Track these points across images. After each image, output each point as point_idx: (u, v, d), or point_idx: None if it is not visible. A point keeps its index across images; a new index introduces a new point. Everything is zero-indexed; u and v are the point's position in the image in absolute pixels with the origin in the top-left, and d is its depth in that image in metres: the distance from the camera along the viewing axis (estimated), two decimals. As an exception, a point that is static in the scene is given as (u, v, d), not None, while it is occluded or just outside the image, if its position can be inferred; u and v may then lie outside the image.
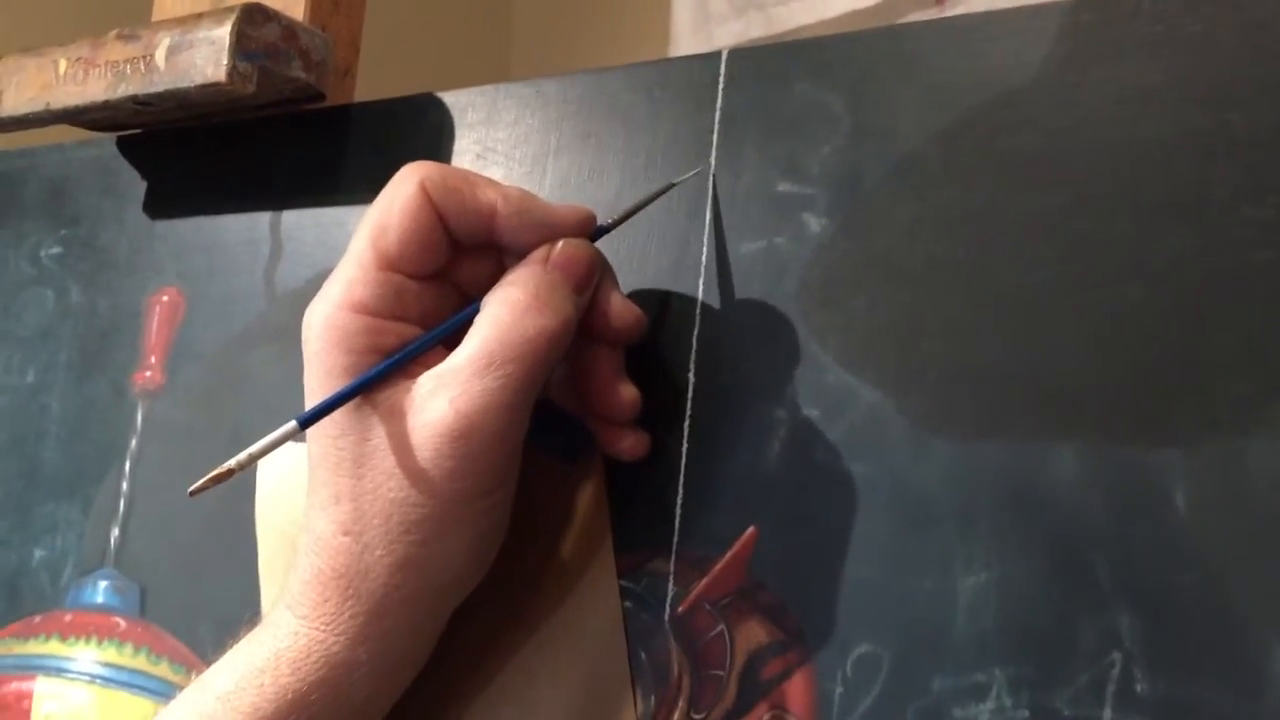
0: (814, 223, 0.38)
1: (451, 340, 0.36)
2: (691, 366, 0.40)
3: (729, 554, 0.37)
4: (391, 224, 0.36)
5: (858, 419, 0.36)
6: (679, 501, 0.39)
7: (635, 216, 0.40)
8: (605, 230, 0.39)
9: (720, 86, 0.41)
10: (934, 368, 0.36)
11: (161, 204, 0.56)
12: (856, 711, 0.34)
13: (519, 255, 0.37)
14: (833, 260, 0.38)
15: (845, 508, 0.36)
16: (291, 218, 0.51)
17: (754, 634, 0.36)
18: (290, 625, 0.36)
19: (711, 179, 0.40)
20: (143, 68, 0.48)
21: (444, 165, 0.37)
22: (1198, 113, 0.33)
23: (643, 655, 0.38)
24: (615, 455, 0.39)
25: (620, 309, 0.38)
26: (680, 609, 0.38)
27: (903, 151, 0.37)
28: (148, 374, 0.53)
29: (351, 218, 0.49)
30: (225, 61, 0.45)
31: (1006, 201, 0.35)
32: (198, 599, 0.49)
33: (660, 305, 0.41)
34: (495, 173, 0.46)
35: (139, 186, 0.56)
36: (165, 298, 0.54)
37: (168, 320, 0.54)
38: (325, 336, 0.36)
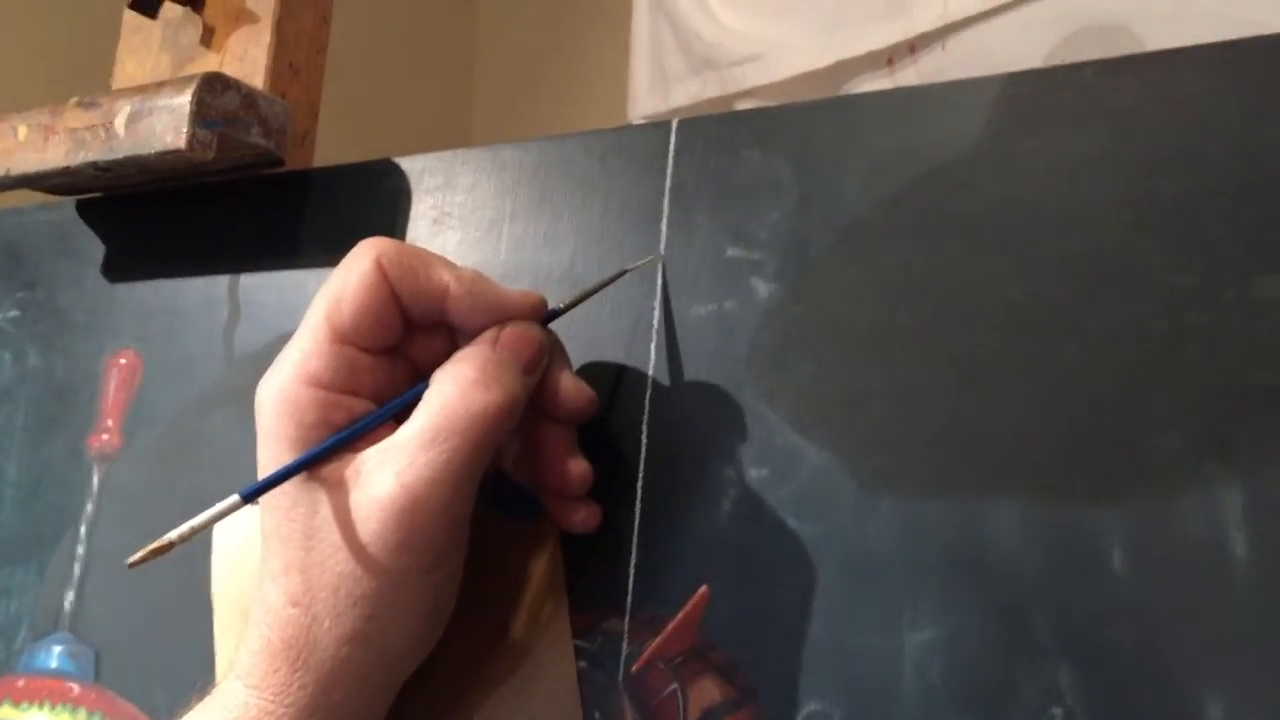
0: (762, 287, 0.39)
1: (403, 417, 0.36)
2: (644, 428, 0.40)
3: (681, 613, 0.38)
4: (346, 298, 0.37)
5: (806, 479, 0.37)
6: (632, 562, 0.39)
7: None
8: (557, 314, 0.40)
9: (671, 154, 0.42)
10: (880, 429, 0.36)
11: (120, 267, 0.56)
12: (807, 769, 0.35)
13: (470, 336, 0.38)
14: (781, 324, 0.39)
15: (795, 567, 0.37)
16: (250, 281, 0.51)
17: (707, 692, 0.37)
18: (240, 696, 0.36)
19: (661, 266, 0.41)
20: (103, 134, 0.48)
21: (401, 243, 0.38)
22: (1126, 182, 0.34)
23: (597, 715, 0.38)
24: (567, 529, 0.40)
25: (571, 389, 0.39)
26: (634, 668, 0.38)
27: (848, 218, 0.38)
28: (104, 437, 0.53)
29: (310, 280, 0.50)
30: (185, 129, 0.46)
31: (947, 266, 0.36)
32: (154, 665, 0.49)
33: (613, 368, 0.41)
34: (451, 237, 0.47)
35: (97, 249, 0.57)
36: (123, 360, 0.54)
37: (125, 383, 0.54)
38: (278, 409, 0.36)
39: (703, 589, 0.38)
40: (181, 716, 0.38)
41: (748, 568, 0.37)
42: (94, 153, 0.48)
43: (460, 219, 0.47)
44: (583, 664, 0.39)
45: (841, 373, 0.37)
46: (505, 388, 0.36)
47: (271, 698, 0.35)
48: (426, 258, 0.38)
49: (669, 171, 0.42)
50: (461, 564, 0.38)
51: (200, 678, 0.46)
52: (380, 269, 0.37)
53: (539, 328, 0.38)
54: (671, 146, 0.42)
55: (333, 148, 0.55)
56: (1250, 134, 0.33)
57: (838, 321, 0.38)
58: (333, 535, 0.35)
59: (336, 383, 0.37)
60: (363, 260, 0.37)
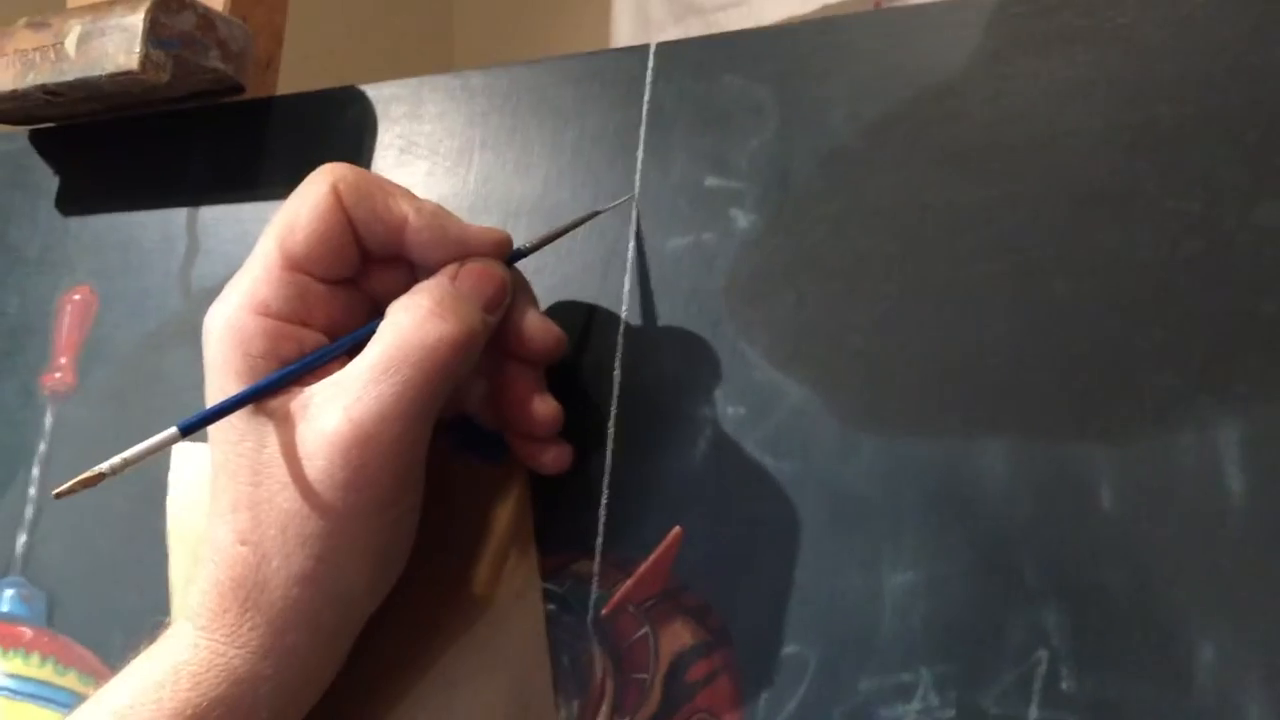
0: (742, 218, 0.38)
1: (356, 353, 0.35)
2: (617, 365, 0.39)
3: (653, 555, 0.37)
4: (300, 224, 0.35)
5: (785, 417, 0.36)
6: (603, 503, 0.38)
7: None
8: (522, 254, 0.38)
9: (648, 80, 0.40)
10: (863, 364, 0.35)
11: (75, 200, 0.54)
12: (782, 713, 0.34)
13: (430, 272, 0.36)
14: (761, 256, 0.37)
15: (772, 507, 0.35)
16: (209, 214, 0.49)
17: (679, 636, 0.35)
18: (190, 637, 0.34)
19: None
20: (52, 56, 0.46)
21: (360, 170, 0.36)
22: (1124, 106, 0.33)
23: (565, 660, 0.37)
24: (536, 470, 0.38)
25: (537, 328, 0.37)
26: (604, 612, 0.37)
27: (832, 145, 0.37)
28: (58, 375, 0.51)
29: (271, 214, 0.47)
30: (138, 49, 0.44)
31: (936, 195, 0.35)
32: (108, 607, 0.47)
33: (584, 305, 0.40)
34: (419, 167, 0.45)
35: (51, 182, 0.54)
36: (77, 296, 0.52)
37: (79, 320, 0.52)
38: (224, 338, 0.35)
39: (675, 530, 0.36)
40: (132, 659, 0.36)
41: (723, 509, 0.36)
42: (43, 75, 0.46)
43: (428, 148, 0.45)
44: (551, 607, 0.38)
45: (823, 306, 0.36)
46: (463, 320, 0.34)
47: (222, 639, 0.34)
48: (386, 186, 0.36)
49: (646, 98, 0.40)
50: (418, 503, 0.36)
51: (155, 620, 0.44)
52: (336, 195, 0.35)
53: (502, 265, 0.36)
54: (649, 72, 0.40)
55: (303, 78, 0.52)
56: (1255, 54, 0.31)
57: (820, 253, 0.36)
58: (280, 472, 0.33)
59: (287, 312, 0.35)
60: (318, 185, 0.35)
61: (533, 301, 0.38)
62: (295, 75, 0.53)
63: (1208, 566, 0.30)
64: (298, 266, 0.35)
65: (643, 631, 0.36)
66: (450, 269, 0.36)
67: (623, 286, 0.39)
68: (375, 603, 0.36)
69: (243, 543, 0.34)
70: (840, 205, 0.36)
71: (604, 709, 0.36)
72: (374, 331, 0.34)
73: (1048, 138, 0.34)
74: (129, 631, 0.46)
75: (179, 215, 0.50)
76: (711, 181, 0.38)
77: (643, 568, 0.37)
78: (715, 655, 0.35)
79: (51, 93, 0.47)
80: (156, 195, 0.51)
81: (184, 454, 0.47)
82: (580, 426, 0.39)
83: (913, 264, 0.35)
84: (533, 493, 0.39)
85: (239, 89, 0.48)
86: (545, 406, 0.37)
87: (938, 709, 0.32)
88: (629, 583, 0.37)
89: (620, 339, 0.39)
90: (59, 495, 0.31)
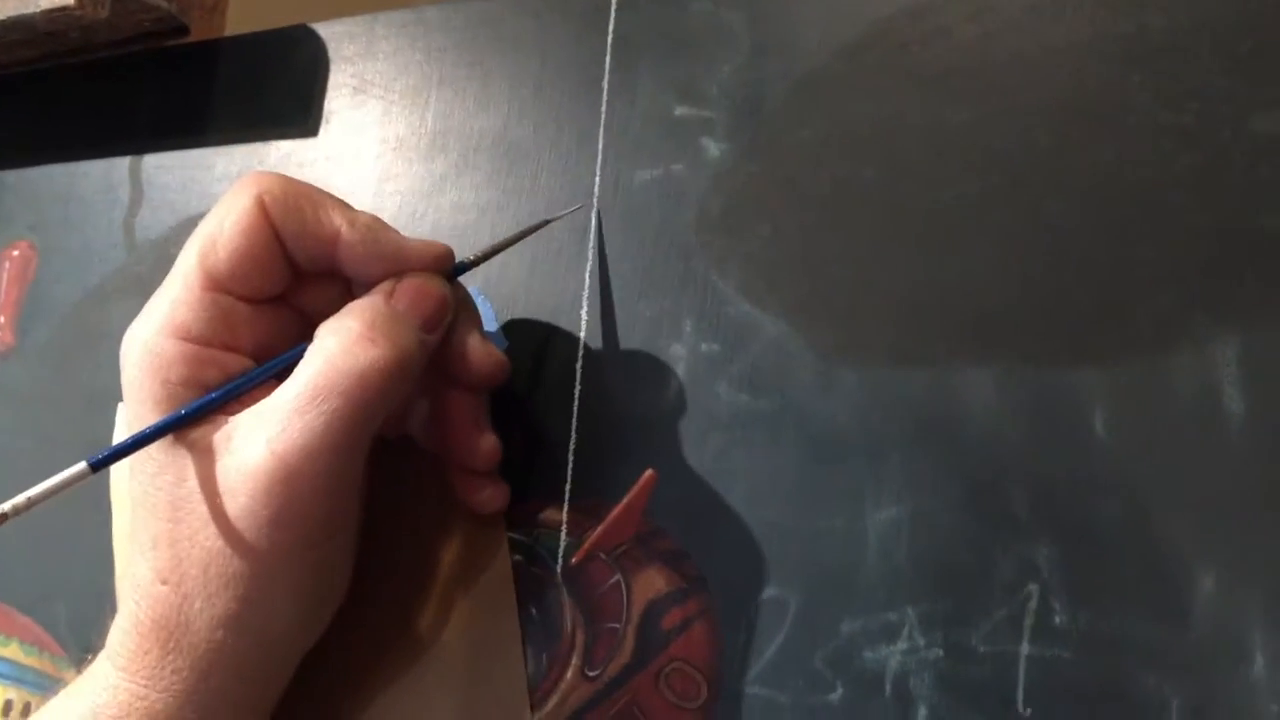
0: (713, 147, 0.36)
1: (285, 377, 0.32)
2: (584, 303, 0.37)
3: (625, 500, 0.35)
4: (222, 240, 0.32)
5: (761, 352, 0.34)
6: (571, 447, 0.36)
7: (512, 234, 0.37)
8: (465, 267, 0.35)
9: (613, 8, 0.39)
10: (842, 295, 0.33)
11: (12, 151, 0.51)
12: (762, 659, 0.32)
13: (366, 288, 0.33)
14: (734, 186, 0.36)
15: (749, 446, 0.34)
16: (153, 162, 0.47)
17: (652, 583, 0.34)
18: (109, 678, 0.32)
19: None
20: (-17, -7, 0.44)
21: (288, 179, 0.33)
22: (1114, 17, 0.31)
23: (534, 611, 0.35)
24: (471, 508, 0.36)
25: (479, 353, 0.34)
26: (573, 560, 0.35)
27: (806, 69, 0.35)
28: (-4, 334, 0.49)
29: (218, 160, 0.46)
30: (74, -18, 0.41)
31: (917, 117, 0.33)
32: (51, 575, 0.45)
33: (551, 239, 0.38)
34: (374, 107, 0.43)
35: (-14, 133, 0.52)
36: (16, 252, 0.50)
37: (18, 276, 0.49)
38: (141, 364, 0.32)
39: (648, 473, 0.35)
40: (55, 694, 0.34)
41: (697, 449, 0.34)
42: (-27, 13, 0.44)
43: (383, 87, 0.43)
44: (517, 558, 0.36)
45: (800, 236, 0.34)
46: (396, 343, 0.31)
47: (144, 681, 0.32)
48: (317, 197, 0.33)
49: (610, 27, 0.39)
50: (352, 536, 0.34)
51: (102, 584, 0.42)
52: (262, 208, 0.32)
53: (442, 281, 0.33)
54: (613, 0, 0.39)
55: (246, 21, 0.50)
56: (1249, -40, 0.30)
57: (796, 181, 0.35)
58: (201, 508, 0.31)
59: (209, 336, 0.32)
60: (242, 197, 0.32)
61: (476, 322, 0.35)
62: (239, 20, 0.51)
63: (1206, 492, 0.28)
64: (220, 286, 0.33)
65: (614, 579, 0.34)
66: (385, 286, 0.33)
67: (589, 224, 0.37)
68: (309, 642, 0.34)
69: (163, 582, 0.31)
70: (816, 131, 0.35)
71: (574, 660, 0.34)
72: (302, 354, 0.32)
73: (1034, 54, 0.32)
74: (73, 599, 0.44)
75: (121, 164, 0.48)
76: (681, 110, 0.37)
77: (614, 513, 0.35)
78: (691, 601, 0.33)
79: (-17, 33, 0.44)
80: (97, 144, 0.48)
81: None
82: (544, 367, 0.37)
83: (893, 189, 0.33)
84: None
85: (183, 30, 0.46)
86: (485, 441, 0.35)
87: (924, 649, 0.30)
88: (599, 529, 0.35)
89: (587, 276, 0.37)
90: None
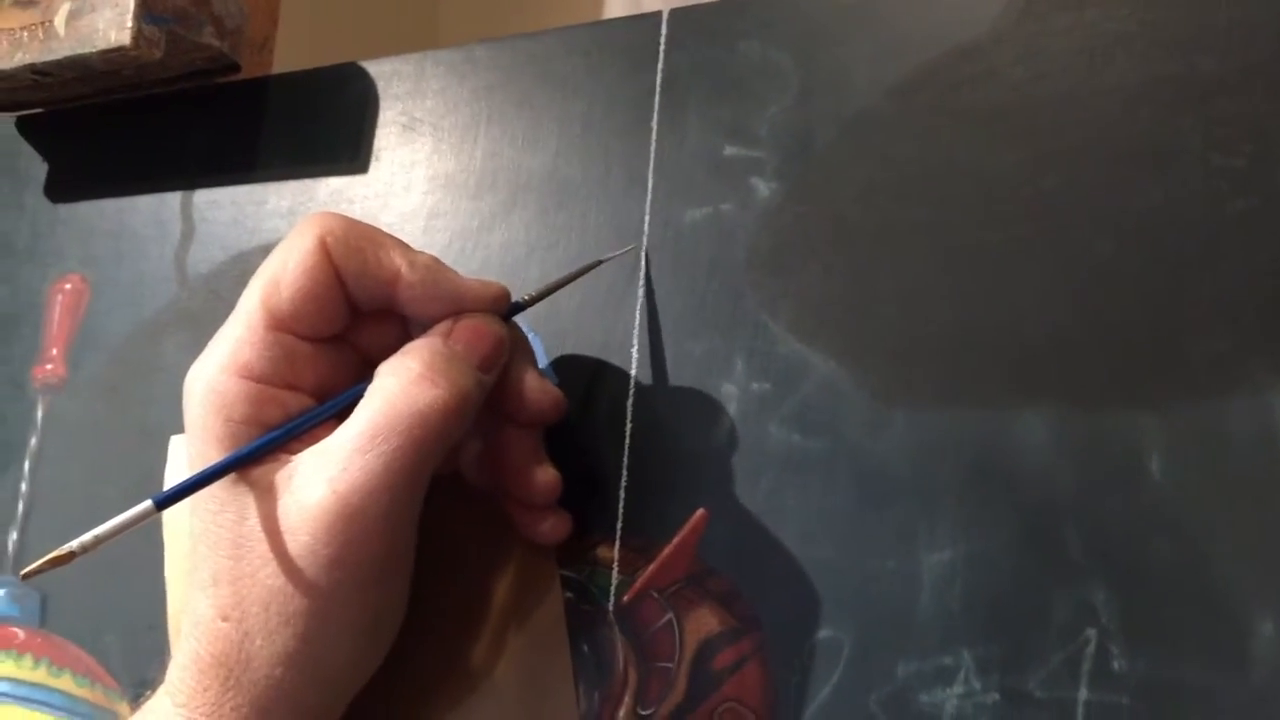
0: (763, 187, 0.36)
1: (346, 416, 0.32)
2: (634, 341, 0.37)
3: (677, 538, 0.35)
4: (286, 281, 0.33)
5: (812, 392, 0.34)
6: (623, 484, 0.36)
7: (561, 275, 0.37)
8: (521, 307, 0.35)
9: (661, 48, 0.39)
10: (892, 335, 0.33)
11: (64, 186, 0.52)
12: (815, 701, 0.32)
13: (424, 327, 0.34)
14: (783, 226, 0.36)
15: (801, 486, 0.34)
16: (204, 197, 0.48)
17: (705, 622, 0.34)
18: (169, 714, 0.32)
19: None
20: (41, 34, 0.44)
21: (350, 221, 0.34)
22: (1166, 58, 0.31)
23: (585, 648, 0.35)
24: (532, 539, 0.36)
25: (536, 390, 0.35)
26: (625, 598, 0.35)
27: (855, 109, 0.35)
28: (49, 367, 0.50)
29: (269, 195, 0.46)
30: (130, 25, 0.42)
31: (966, 158, 0.33)
32: (102, 606, 0.46)
33: (601, 278, 0.38)
34: (423, 144, 0.43)
35: (40, 168, 0.53)
36: (68, 285, 0.50)
37: (71, 309, 0.50)
38: (205, 402, 0.33)
39: (700, 512, 0.35)
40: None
41: (749, 488, 0.35)
42: (31, 54, 0.44)
43: (432, 125, 0.43)
44: (569, 595, 0.36)
45: (849, 276, 0.34)
46: (455, 384, 0.32)
47: (203, 717, 0.32)
48: (377, 238, 0.34)
49: (660, 66, 0.39)
50: (408, 578, 0.34)
51: (153, 618, 0.43)
52: (324, 249, 0.33)
53: (498, 321, 0.34)
54: (662, 39, 0.39)
55: (290, 57, 0.51)
56: (1303, 3, 0.30)
57: (845, 221, 0.35)
58: (262, 546, 0.31)
59: (271, 375, 0.33)
60: (305, 238, 0.33)
61: (531, 360, 0.36)
62: (286, 58, 0.52)
63: (1264, 537, 0.28)
64: (283, 326, 0.33)
65: (667, 618, 0.34)
66: (443, 326, 0.33)
67: (640, 261, 0.38)
68: (363, 679, 0.34)
69: (224, 619, 0.32)
70: (865, 171, 0.35)
71: (627, 699, 0.34)
72: (362, 394, 0.32)
73: (1084, 94, 0.32)
74: (124, 631, 0.45)
75: (173, 199, 0.48)
76: (730, 150, 0.37)
77: (665, 552, 0.35)
78: (744, 641, 0.33)
79: (40, 73, 0.45)
80: (149, 179, 0.49)
81: (179, 447, 0.45)
82: (597, 405, 0.37)
83: (943, 230, 0.33)
84: (547, 477, 0.37)
85: (235, 67, 0.47)
86: (544, 475, 0.35)
87: (980, 693, 0.30)
88: (651, 567, 0.35)
89: (638, 313, 0.37)
90: (26, 576, 0.29)
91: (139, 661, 0.44)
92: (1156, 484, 0.29)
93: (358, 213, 0.43)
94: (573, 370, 0.38)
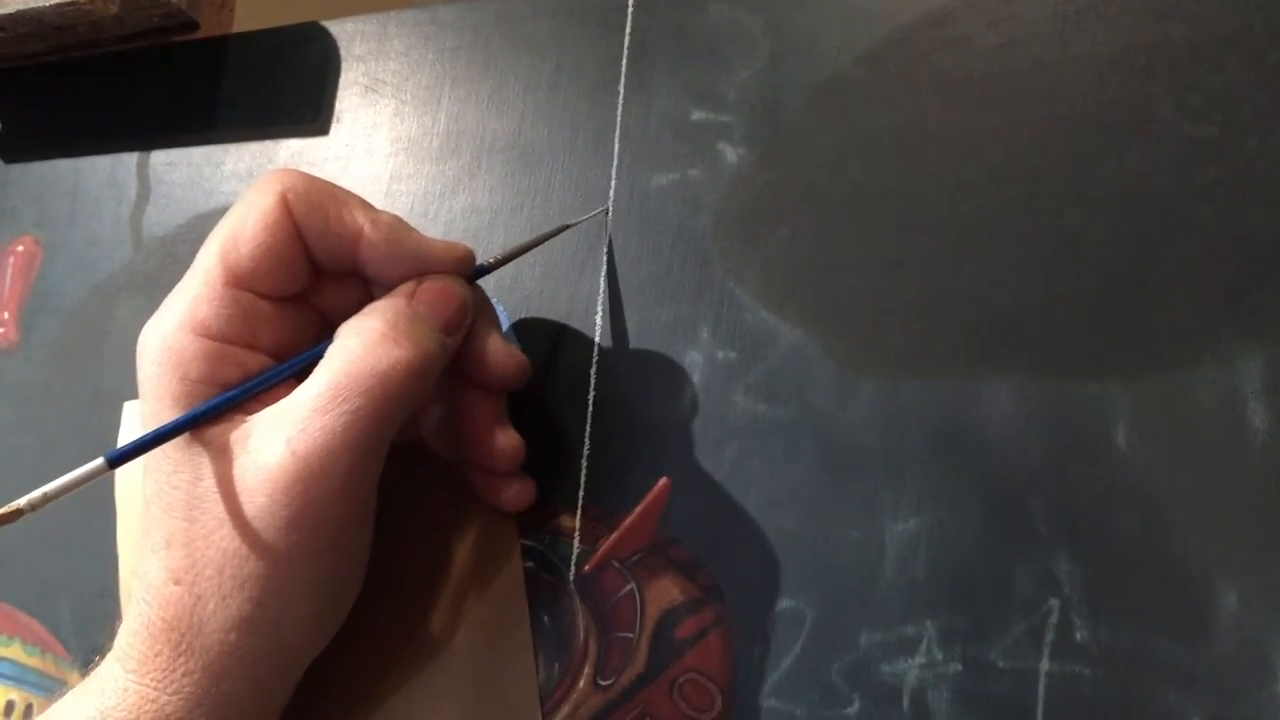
0: (731, 152, 0.36)
1: (305, 376, 0.32)
2: (599, 308, 0.37)
3: (639, 508, 0.35)
4: (245, 237, 0.32)
5: (778, 360, 0.34)
6: (585, 452, 0.36)
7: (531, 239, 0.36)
8: (486, 270, 0.35)
9: (629, 10, 0.38)
10: (860, 304, 0.33)
11: (17, 146, 0.51)
12: (777, 671, 0.32)
13: (386, 289, 0.33)
14: (751, 192, 0.35)
15: (765, 455, 0.33)
16: (161, 158, 0.47)
17: (666, 592, 0.34)
18: (119, 681, 0.32)
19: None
20: (-9, -14, 0.43)
21: (311, 178, 0.33)
22: (1138, 26, 0.31)
23: (546, 619, 0.35)
24: (496, 506, 0.36)
25: (499, 354, 0.34)
26: (587, 568, 0.35)
27: (825, 74, 0.35)
28: (0, 331, 0.49)
29: (228, 157, 0.45)
30: (84, -23, 0.41)
31: (936, 125, 0.33)
32: (54, 574, 0.45)
33: (565, 243, 0.37)
34: (385, 106, 0.42)
35: (-9, 127, 0.52)
36: (20, 248, 0.49)
37: (22, 272, 0.49)
38: (160, 360, 0.32)
39: (663, 481, 0.34)
40: (60, 696, 0.33)
41: (713, 458, 0.34)
42: (-19, 7, 0.43)
43: (395, 86, 0.42)
44: (529, 564, 0.36)
45: (818, 244, 0.34)
46: (418, 344, 0.31)
47: (154, 684, 0.31)
48: (340, 196, 0.33)
49: (627, 29, 0.38)
50: (368, 543, 0.33)
51: (105, 584, 0.42)
52: (285, 205, 0.32)
53: (462, 283, 0.33)
54: (630, 3, 0.38)
55: (251, 16, 0.50)
56: (1277, -29, 0.30)
57: (814, 187, 0.34)
58: (217, 508, 0.31)
59: (229, 333, 0.32)
60: (265, 194, 0.32)
61: (495, 324, 0.35)
62: (248, 16, 0.50)
63: (1229, 508, 0.28)
64: (242, 283, 0.32)
65: (628, 588, 0.34)
66: (407, 287, 0.33)
67: (604, 227, 0.37)
68: (320, 645, 0.34)
69: (176, 582, 0.31)
70: (835, 137, 0.34)
71: (586, 670, 0.34)
72: (323, 354, 0.31)
73: (1055, 62, 0.32)
74: (76, 599, 0.44)
75: (129, 160, 0.47)
76: (698, 115, 0.36)
77: (628, 521, 0.35)
78: (706, 611, 0.33)
79: (-10, 27, 0.44)
80: (105, 139, 0.48)
81: (133, 412, 0.44)
82: (559, 372, 0.37)
83: (912, 197, 0.33)
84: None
85: (193, 25, 0.46)
86: (507, 440, 0.35)
87: (943, 663, 0.30)
88: (613, 537, 0.35)
89: (602, 280, 0.37)
90: None
91: (91, 629, 0.44)
92: (1122, 454, 0.29)
93: (318, 175, 0.42)
94: (536, 336, 0.37)
